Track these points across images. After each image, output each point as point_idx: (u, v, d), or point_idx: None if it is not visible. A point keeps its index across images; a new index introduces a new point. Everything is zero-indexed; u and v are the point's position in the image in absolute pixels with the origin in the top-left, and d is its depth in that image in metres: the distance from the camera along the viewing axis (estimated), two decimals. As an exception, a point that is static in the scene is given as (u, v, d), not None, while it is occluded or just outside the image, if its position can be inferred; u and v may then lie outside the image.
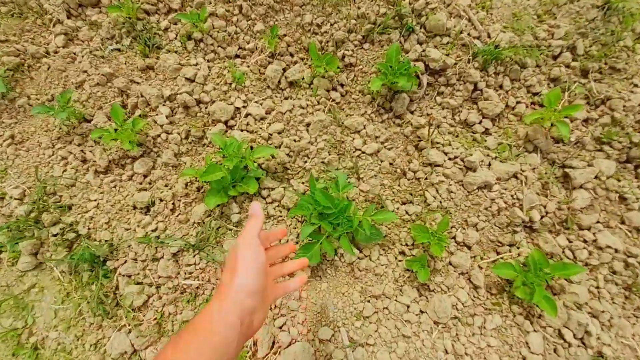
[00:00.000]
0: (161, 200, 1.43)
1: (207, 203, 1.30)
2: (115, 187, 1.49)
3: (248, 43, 1.68)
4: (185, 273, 1.33)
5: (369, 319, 1.25)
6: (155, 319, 1.32)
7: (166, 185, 1.47)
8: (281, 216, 1.42)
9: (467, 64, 1.49)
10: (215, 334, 0.59)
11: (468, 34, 1.50)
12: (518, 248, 1.37)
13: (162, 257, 1.33)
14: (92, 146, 1.57)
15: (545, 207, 1.39)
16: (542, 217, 1.37)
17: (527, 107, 1.49)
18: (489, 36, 1.50)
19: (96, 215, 1.43)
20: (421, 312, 1.28)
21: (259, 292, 0.65)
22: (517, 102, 1.49)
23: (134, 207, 1.45)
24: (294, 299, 1.30)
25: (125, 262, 1.37)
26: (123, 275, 1.36)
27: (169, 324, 1.32)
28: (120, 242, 1.38)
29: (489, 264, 1.37)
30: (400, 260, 1.36)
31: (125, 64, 1.68)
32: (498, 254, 1.38)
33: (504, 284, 1.33)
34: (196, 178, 1.47)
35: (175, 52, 1.69)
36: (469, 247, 1.38)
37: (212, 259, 1.33)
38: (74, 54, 1.72)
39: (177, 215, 1.42)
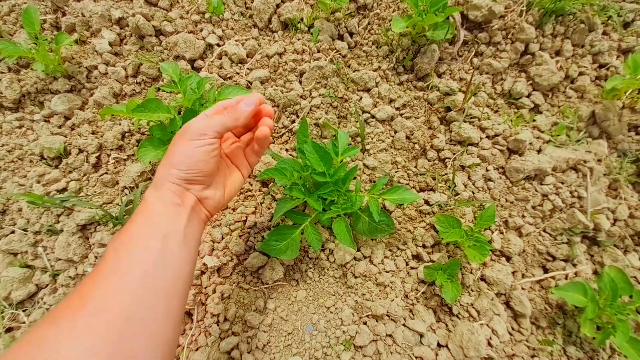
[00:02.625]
0: (81, 150, 1.00)
1: (141, 156, 0.87)
2: (20, 127, 1.05)
3: (236, -28, 1.29)
4: (96, 256, 0.89)
5: (364, 350, 0.83)
6: (43, 322, 0.87)
7: (93, 133, 1.05)
8: (251, 190, 1.00)
9: (518, 16, 1.13)
10: (155, 213, 0.52)
11: (522, -20, 1.15)
12: (574, 265, 0.99)
13: (63, 230, 0.89)
14: (3, 73, 1.13)
15: (614, 212, 1.01)
16: (610, 225, 0.99)
17: (592, 81, 1.13)
18: (548, -15, 1.15)
19: (-19, 161, 0.98)
20: (440, 345, 0.87)
21: (196, 169, 0.57)
22: (580, 74, 1.13)
23: (42, 157, 1.01)
24: (255, 310, 0.87)
25: (13, 232, 0.93)
26: (4, 252, 0.91)
27: (64, 331, 0.88)
28: (8, 202, 0.93)
29: (534, 284, 0.98)
30: (413, 268, 0.95)
31: (69, -24, 1.27)
32: (546, 270, 0.99)
33: (555, 315, 0.94)
34: (139, 128, 1.05)
35: (140, -28, 1.29)
36: (509, 259, 0.99)
37: (140, 240, 0.90)
38: (7, -39, 1.31)
39: (102, 175, 0.99)
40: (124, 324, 0.40)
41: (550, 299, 0.95)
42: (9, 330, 0.87)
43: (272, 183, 1.00)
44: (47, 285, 0.90)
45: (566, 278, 0.97)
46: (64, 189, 0.95)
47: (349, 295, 0.90)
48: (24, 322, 0.88)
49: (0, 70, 1.13)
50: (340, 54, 1.20)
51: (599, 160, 1.05)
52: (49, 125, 1.05)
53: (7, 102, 1.08)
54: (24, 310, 0.90)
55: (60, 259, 0.89)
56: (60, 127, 1.06)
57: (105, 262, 0.46)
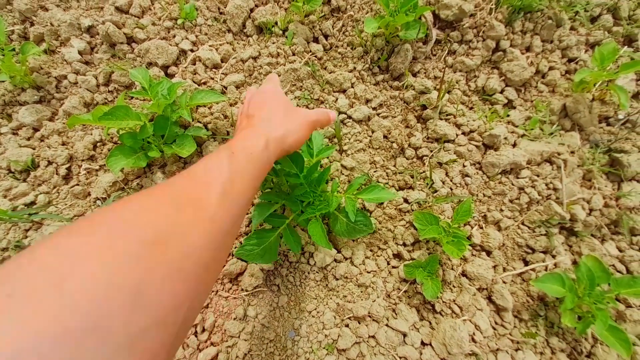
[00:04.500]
0: (50, 162, 0.97)
1: (111, 165, 0.85)
2: (-14, 141, 1.02)
3: (208, -22, 1.28)
4: (67, 271, 0.86)
5: (347, 353, 0.82)
6: (12, 342, 0.84)
7: (63, 144, 1.02)
8: (228, 196, 0.99)
9: (488, 14, 1.15)
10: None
11: (490, -21, 1.17)
12: (554, 257, 0.99)
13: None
14: (-33, 86, 1.10)
15: (589, 202, 1.03)
16: (586, 215, 1.00)
17: (562, 75, 1.15)
18: (515, -17, 1.18)
19: (-57, 178, 0.94)
20: (424, 344, 0.86)
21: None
22: (550, 68, 1.15)
23: (9, 171, 0.98)
24: (235, 319, 0.85)
25: (-22, 251, 0.89)
26: (-30, 272, 0.87)
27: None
28: (-27, 220, 0.90)
29: (515, 277, 0.99)
30: (394, 267, 0.95)
31: (37, -14, 1.24)
32: (527, 263, 1.00)
33: (537, 307, 0.94)
34: (110, 137, 1.03)
35: (110, -20, 1.27)
36: (489, 253, 0.99)
37: (113, 252, 0.87)
38: (-28, -27, 1.28)
39: (72, 187, 0.96)
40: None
41: (531, 292, 0.96)
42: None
43: (249, 188, 0.99)
44: (16, 303, 0.86)
45: (546, 269, 0.98)
46: (33, 203, 0.92)
47: (330, 298, 0.88)
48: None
49: (-35, 83, 1.10)
50: (315, 56, 1.20)
51: (572, 152, 1.07)
52: (16, 137, 1.02)
53: (-28, 116, 1.05)
54: (-8, 331, 0.85)
55: (29, 276, 0.86)
56: (28, 139, 1.03)
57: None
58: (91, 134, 1.02)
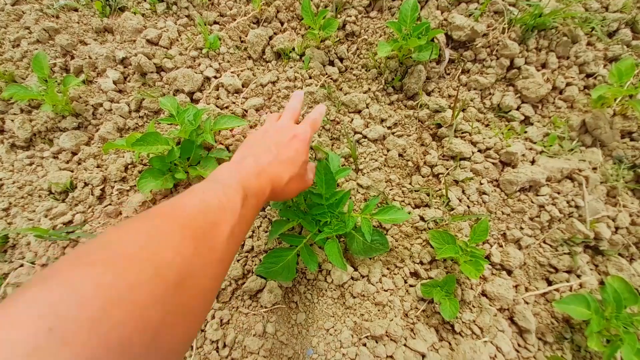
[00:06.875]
0: (86, 184, 1.05)
1: (141, 187, 0.91)
2: (31, 164, 1.11)
3: (230, 9, 1.38)
4: (99, 287, 0.92)
5: (364, 372, 0.82)
6: (48, 354, 0.89)
7: (98, 167, 1.10)
8: (248, 214, 1.03)
9: (501, 34, 1.17)
10: None
11: (502, 0, 1.20)
12: (579, 277, 0.96)
13: (68, 262, 0.92)
14: (16, 114, 1.21)
15: (614, 220, 1.00)
16: (611, 233, 0.97)
17: (580, 90, 1.14)
18: (527, 2, 1.19)
19: (-7, 199, 1.04)
20: (443, 365, 0.85)
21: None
22: (567, 84, 1.15)
23: (50, 192, 1.06)
24: (254, 335, 0.87)
25: (21, 265, 0.96)
26: (13, 285, 0.94)
27: (69, 363, 0.89)
28: (18, 237, 0.98)
29: (538, 298, 0.96)
30: (411, 285, 0.95)
31: (77, 22, 1.37)
32: (550, 283, 0.97)
33: (562, 329, 0.91)
34: (141, 159, 1.10)
35: (142, 14, 1.39)
36: (510, 272, 0.98)
37: (141, 269, 0.92)
38: (22, 12, 1.42)
39: (106, 206, 1.03)
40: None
41: (556, 313, 0.93)
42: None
43: (268, 206, 1.03)
44: (53, 316, 0.92)
45: (571, 290, 0.95)
46: (70, 222, 0.99)
47: (348, 316, 0.89)
48: (30, 355, 0.90)
49: (13, 112, 1.21)
50: (331, 78, 1.24)
51: (594, 169, 1.05)
52: (57, 161, 1.11)
53: (19, 142, 1.15)
54: (30, 343, 0.91)
55: (65, 290, 0.92)
56: (67, 162, 1.12)
57: None
58: (123, 157, 1.10)
